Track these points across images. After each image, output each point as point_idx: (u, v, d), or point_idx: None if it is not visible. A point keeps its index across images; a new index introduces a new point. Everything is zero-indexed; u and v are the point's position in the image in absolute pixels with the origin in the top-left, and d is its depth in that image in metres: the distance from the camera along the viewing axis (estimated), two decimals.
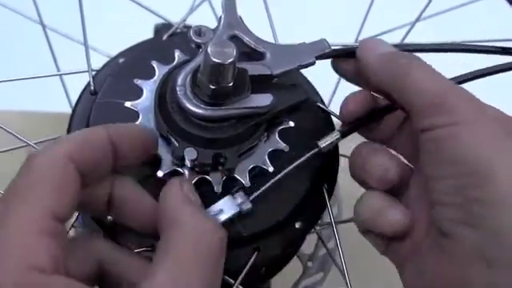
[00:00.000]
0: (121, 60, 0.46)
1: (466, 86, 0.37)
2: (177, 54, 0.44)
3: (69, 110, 0.46)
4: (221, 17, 0.41)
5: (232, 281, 0.39)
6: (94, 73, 0.46)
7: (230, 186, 0.40)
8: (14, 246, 0.29)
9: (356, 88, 0.42)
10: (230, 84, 0.37)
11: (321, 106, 0.46)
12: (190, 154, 0.38)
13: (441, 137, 0.34)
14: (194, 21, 0.50)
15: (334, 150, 0.44)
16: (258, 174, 0.41)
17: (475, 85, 0.38)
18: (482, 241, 0.32)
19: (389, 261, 0.40)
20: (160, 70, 0.43)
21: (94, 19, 0.53)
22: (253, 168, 0.41)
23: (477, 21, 0.81)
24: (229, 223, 0.38)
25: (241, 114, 0.39)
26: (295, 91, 0.42)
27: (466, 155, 0.33)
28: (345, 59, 0.41)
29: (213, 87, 0.37)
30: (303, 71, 0.44)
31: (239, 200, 0.38)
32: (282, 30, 0.52)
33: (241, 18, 0.42)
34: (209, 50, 0.36)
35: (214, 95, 0.37)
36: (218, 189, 0.40)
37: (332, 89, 0.53)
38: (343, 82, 0.44)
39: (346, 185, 0.42)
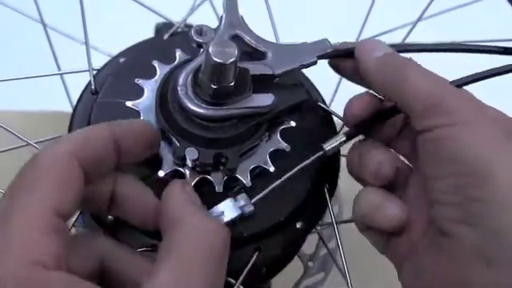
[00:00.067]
0: (122, 59, 0.46)
1: (466, 86, 0.37)
2: (178, 53, 0.44)
3: (69, 109, 0.46)
4: (222, 16, 0.41)
5: (233, 281, 0.39)
6: (94, 72, 0.46)
7: (231, 186, 0.40)
8: (18, 241, 0.29)
9: (357, 88, 0.42)
10: (232, 84, 0.37)
11: (322, 105, 0.46)
12: (191, 153, 0.38)
13: (440, 137, 0.34)
14: (194, 20, 0.50)
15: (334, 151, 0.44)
16: (259, 174, 0.41)
17: (475, 85, 0.38)
18: (482, 240, 0.32)
19: (389, 261, 0.40)
20: (161, 70, 0.43)
21: (95, 18, 0.53)
22: (254, 168, 0.41)
23: (478, 21, 0.81)
24: (230, 224, 0.37)
25: (242, 114, 0.39)
26: (297, 91, 0.42)
27: (465, 155, 0.33)
28: (344, 59, 0.41)
29: (214, 87, 0.37)
30: (304, 70, 0.44)
31: (241, 202, 0.37)
32: (282, 30, 0.52)
33: (242, 17, 0.42)
34: (210, 49, 0.35)
35: (215, 95, 0.37)
36: (219, 189, 0.40)
37: (333, 88, 0.53)
38: (344, 81, 0.44)
39: (347, 185, 0.42)
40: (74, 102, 0.45)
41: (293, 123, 0.43)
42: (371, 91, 0.40)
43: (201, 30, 0.40)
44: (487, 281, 0.32)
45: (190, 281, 0.30)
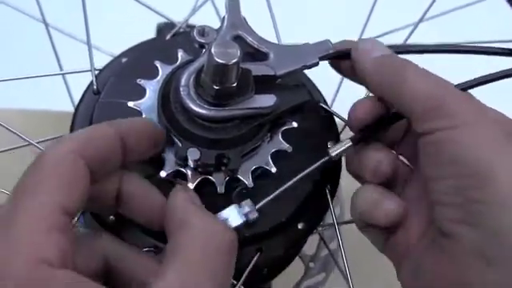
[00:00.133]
0: (124, 60, 0.46)
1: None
2: (180, 53, 0.44)
3: (70, 109, 0.46)
4: (224, 17, 0.41)
5: (234, 281, 0.39)
6: (96, 72, 0.46)
7: (233, 187, 0.40)
8: (24, 240, 0.29)
9: (359, 88, 0.42)
10: (234, 84, 0.37)
11: (324, 106, 0.46)
12: (193, 154, 0.38)
13: (441, 140, 0.34)
14: (196, 21, 0.50)
15: None
16: (261, 175, 0.41)
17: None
18: (482, 240, 0.32)
19: (390, 261, 0.40)
20: (163, 70, 0.43)
21: (97, 18, 0.53)
22: (256, 169, 0.41)
23: (481, 21, 0.81)
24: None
25: (244, 115, 0.39)
26: (298, 92, 0.42)
27: (466, 156, 0.33)
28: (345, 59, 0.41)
29: (216, 88, 0.37)
30: (306, 71, 0.44)
31: (246, 209, 0.37)
32: (282, 30, 0.52)
33: (244, 18, 0.42)
34: (212, 50, 0.35)
35: (217, 96, 0.37)
36: (220, 189, 0.40)
37: (335, 89, 0.53)
38: (346, 82, 0.44)
39: (349, 185, 0.42)
40: (76, 102, 0.45)
41: (295, 124, 0.43)
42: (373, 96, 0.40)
43: (203, 31, 0.40)
44: (487, 281, 0.32)
45: (197, 282, 0.30)
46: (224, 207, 0.38)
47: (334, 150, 0.39)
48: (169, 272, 0.30)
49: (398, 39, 0.50)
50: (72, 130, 0.43)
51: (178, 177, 0.40)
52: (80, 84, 0.47)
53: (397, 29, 0.53)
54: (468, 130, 0.34)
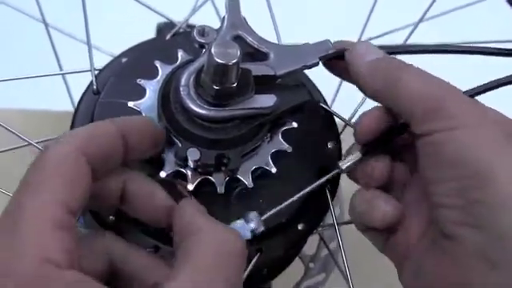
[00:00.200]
0: (124, 60, 0.46)
1: (465, 87, 0.37)
2: (180, 53, 0.44)
3: (70, 109, 0.46)
4: (224, 17, 0.41)
5: None
6: (96, 72, 0.46)
7: (233, 187, 0.40)
8: (30, 240, 0.29)
9: (358, 89, 0.42)
10: (234, 85, 0.37)
11: (324, 106, 0.46)
12: (193, 154, 0.38)
13: (440, 141, 0.34)
14: (196, 20, 0.50)
15: (336, 152, 0.44)
16: (260, 175, 0.41)
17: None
18: (485, 242, 0.32)
19: (390, 261, 0.40)
20: (163, 70, 0.43)
21: (97, 18, 0.53)
22: (256, 169, 0.41)
23: (481, 21, 0.81)
24: None
25: (244, 115, 0.39)
26: (298, 92, 0.42)
27: (466, 157, 0.33)
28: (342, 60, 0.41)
29: (216, 88, 0.37)
30: (306, 71, 0.44)
31: (252, 225, 0.36)
32: (282, 30, 0.52)
33: (244, 18, 0.41)
34: (212, 50, 0.35)
35: (217, 96, 0.37)
36: (220, 189, 0.40)
37: (335, 88, 0.53)
38: (346, 82, 0.44)
39: (349, 186, 0.42)
40: (76, 102, 0.45)
41: (294, 124, 0.43)
42: (379, 106, 0.39)
43: (203, 31, 0.40)
44: (489, 283, 0.32)
45: (210, 284, 0.30)
46: (224, 207, 0.39)
47: (345, 163, 0.39)
48: (180, 275, 0.30)
49: (398, 39, 0.50)
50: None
51: (178, 177, 0.40)
52: (80, 84, 0.47)
53: (397, 29, 0.53)
54: (468, 130, 0.33)
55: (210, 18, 0.49)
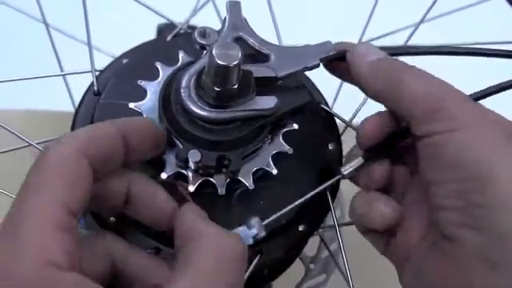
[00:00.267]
0: (124, 61, 0.46)
1: (466, 88, 0.37)
2: (181, 55, 0.44)
3: (70, 109, 0.45)
4: (225, 18, 0.41)
5: None
6: (97, 73, 0.46)
7: (234, 188, 0.40)
8: (30, 241, 0.29)
9: (359, 90, 0.42)
10: (235, 86, 0.37)
11: (325, 107, 0.46)
12: (193, 156, 0.38)
13: (440, 143, 0.34)
14: (197, 21, 0.50)
15: (337, 153, 0.44)
16: (261, 177, 0.41)
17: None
18: (486, 244, 0.32)
19: (391, 262, 0.40)
20: (164, 72, 0.43)
21: (97, 19, 0.53)
22: (257, 170, 0.41)
23: (483, 22, 0.81)
24: None
25: (245, 117, 0.39)
26: (299, 93, 0.42)
27: (466, 159, 0.33)
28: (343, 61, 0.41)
29: (217, 89, 0.37)
30: (306, 72, 0.43)
31: (254, 231, 0.37)
32: (282, 31, 0.52)
33: (245, 19, 0.41)
34: (213, 52, 0.35)
35: (218, 97, 0.37)
36: (221, 191, 0.40)
37: (336, 90, 0.53)
38: (347, 83, 0.44)
39: (349, 188, 0.42)
40: (77, 103, 0.45)
41: (295, 126, 0.42)
42: (382, 111, 0.39)
43: (204, 32, 0.40)
44: (490, 284, 0.32)
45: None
46: (225, 209, 0.39)
47: (347, 169, 0.39)
48: (181, 279, 0.30)
49: (398, 40, 0.50)
50: (73, 131, 0.43)
51: (179, 178, 0.40)
52: (81, 85, 0.47)
53: (398, 30, 0.53)
54: (468, 131, 0.33)
55: (210, 19, 0.49)
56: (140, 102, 0.42)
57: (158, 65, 0.43)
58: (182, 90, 0.38)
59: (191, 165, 0.38)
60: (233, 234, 0.34)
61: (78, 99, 0.45)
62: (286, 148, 0.42)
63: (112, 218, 0.39)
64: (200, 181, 0.40)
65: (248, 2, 0.44)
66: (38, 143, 0.44)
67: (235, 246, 0.33)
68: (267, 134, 0.41)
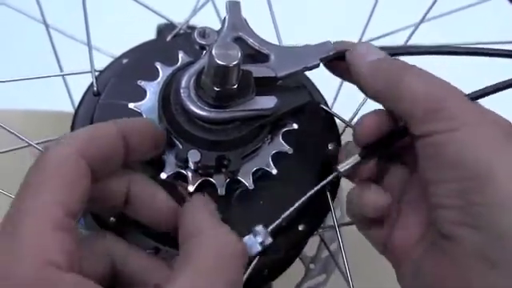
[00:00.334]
0: (124, 61, 0.46)
1: (466, 88, 0.37)
2: (180, 55, 0.44)
3: (70, 109, 0.45)
4: (225, 18, 0.41)
5: None
6: (97, 73, 0.46)
7: (234, 188, 0.40)
8: (29, 241, 0.29)
9: (359, 90, 0.42)
10: (235, 86, 0.37)
11: (324, 107, 0.46)
12: (193, 156, 0.38)
13: (440, 142, 0.34)
14: (197, 21, 0.50)
15: (336, 153, 0.44)
16: (261, 177, 0.41)
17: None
18: (485, 243, 0.32)
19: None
20: (163, 72, 0.43)
21: (97, 19, 0.53)
22: (256, 170, 0.41)
23: (484, 22, 0.81)
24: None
25: (245, 117, 0.39)
26: (299, 93, 0.42)
27: (465, 158, 0.33)
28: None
29: (217, 89, 0.37)
30: (306, 72, 0.43)
31: (260, 239, 0.37)
32: (282, 30, 0.52)
33: (245, 19, 0.41)
34: (213, 52, 0.35)
35: (218, 97, 0.37)
36: (221, 191, 0.40)
37: (335, 90, 0.53)
38: (347, 83, 0.44)
39: (349, 187, 0.42)
40: (76, 103, 0.45)
41: (295, 126, 0.42)
42: (380, 109, 0.39)
43: (204, 32, 0.40)
44: (488, 283, 0.32)
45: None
46: (225, 209, 0.38)
47: (343, 166, 0.39)
48: (181, 277, 0.30)
49: (399, 40, 0.50)
50: (72, 131, 0.43)
51: (179, 178, 0.40)
52: (80, 85, 0.47)
53: (398, 30, 0.53)
54: (467, 130, 0.34)
55: (210, 19, 0.49)
56: (140, 102, 0.42)
57: (158, 65, 0.43)
58: (181, 90, 0.38)
59: (191, 165, 0.38)
60: (233, 232, 0.34)
61: (77, 99, 0.45)
62: (286, 148, 0.42)
63: (112, 219, 0.39)
64: (200, 181, 0.40)
65: (248, 2, 0.44)
66: (37, 143, 0.44)
67: (236, 243, 0.33)
68: (267, 134, 0.41)
